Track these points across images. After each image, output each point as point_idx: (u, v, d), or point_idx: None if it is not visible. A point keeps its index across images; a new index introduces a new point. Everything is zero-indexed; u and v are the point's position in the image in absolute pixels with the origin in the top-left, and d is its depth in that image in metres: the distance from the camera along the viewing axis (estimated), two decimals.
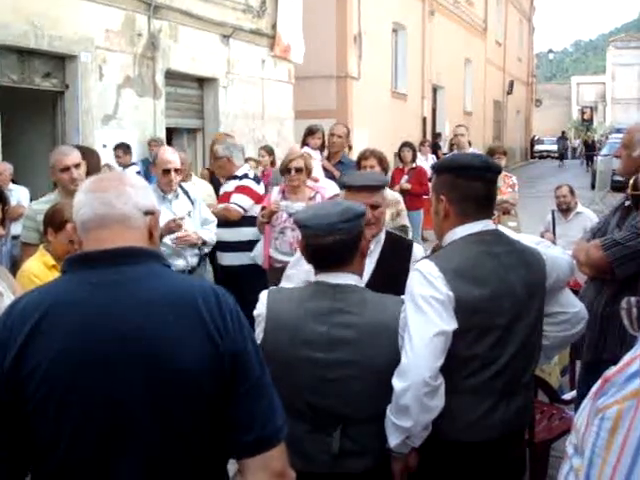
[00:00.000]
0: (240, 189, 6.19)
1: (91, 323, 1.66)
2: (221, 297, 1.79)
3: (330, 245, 2.52)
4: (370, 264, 3.35)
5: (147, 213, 1.86)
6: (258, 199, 6.18)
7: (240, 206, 6.14)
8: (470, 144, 16.87)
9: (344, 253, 2.57)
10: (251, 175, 6.53)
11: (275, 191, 5.96)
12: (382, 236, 3.47)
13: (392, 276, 2.58)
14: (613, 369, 1.22)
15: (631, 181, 3.43)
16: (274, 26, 13.68)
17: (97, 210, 1.80)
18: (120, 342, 1.65)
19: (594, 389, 1.24)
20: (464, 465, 2.57)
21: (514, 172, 15.87)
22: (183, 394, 1.68)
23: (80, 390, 1.64)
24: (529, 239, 2.99)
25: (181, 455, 1.70)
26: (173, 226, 4.90)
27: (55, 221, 3.94)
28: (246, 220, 6.07)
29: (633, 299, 1.16)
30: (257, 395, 1.77)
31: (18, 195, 7.24)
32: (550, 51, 63.67)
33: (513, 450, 2.71)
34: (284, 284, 3.17)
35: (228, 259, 6.20)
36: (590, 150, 36.01)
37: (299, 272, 3.21)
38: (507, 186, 7.83)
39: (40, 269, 3.86)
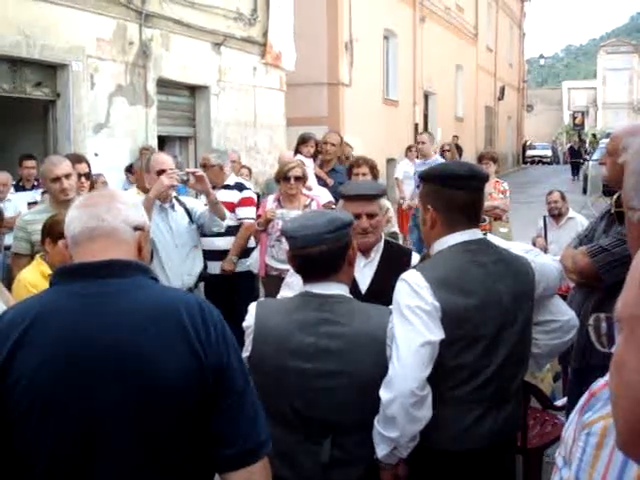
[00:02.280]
0: (244, 202, 6.18)
1: (74, 334, 1.68)
2: (206, 311, 1.79)
3: (317, 255, 2.53)
4: (370, 272, 3.38)
5: (137, 229, 1.89)
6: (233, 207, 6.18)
7: (251, 218, 6.13)
8: (461, 151, 16.95)
9: (331, 263, 2.57)
10: (247, 185, 6.56)
11: (270, 199, 5.97)
12: (381, 245, 3.47)
13: (391, 284, 2.57)
14: (599, 383, 1.22)
15: (614, 197, 3.44)
16: (265, 34, 13.70)
17: (87, 224, 1.83)
18: (101, 354, 1.66)
19: (581, 403, 1.25)
20: (454, 474, 2.58)
21: (506, 178, 15.91)
22: (164, 408, 1.68)
23: (60, 402, 1.65)
24: (518, 247, 3.00)
25: (162, 469, 1.70)
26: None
27: (54, 232, 3.94)
28: (233, 229, 6.04)
29: (602, 315, 1.17)
30: (240, 409, 1.77)
31: (16, 204, 7.16)
32: (541, 56, 63.96)
33: (503, 459, 2.72)
34: (284, 292, 3.17)
35: (215, 267, 6.17)
36: (576, 157, 33.35)
37: (299, 280, 3.22)
38: (498, 192, 7.86)
39: (37, 278, 3.87)
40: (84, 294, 1.73)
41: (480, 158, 8.44)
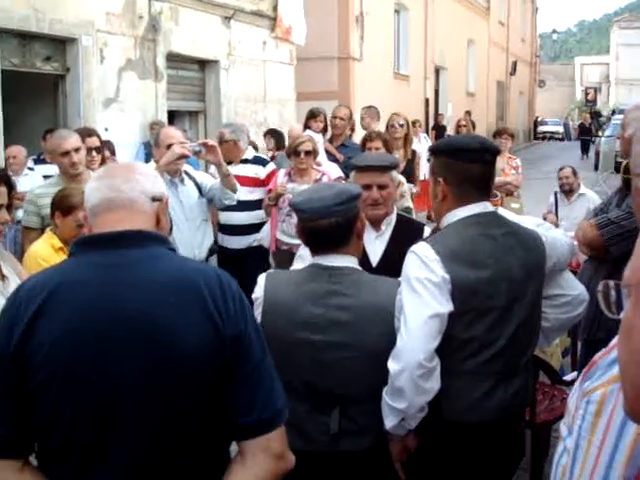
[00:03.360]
0: (273, 174, 6.18)
1: (93, 304, 1.69)
2: (224, 281, 1.80)
3: (326, 228, 2.54)
4: (381, 245, 3.39)
5: (155, 199, 1.89)
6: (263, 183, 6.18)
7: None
8: (474, 126, 16.82)
9: (340, 235, 2.58)
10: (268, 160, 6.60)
11: (281, 174, 5.98)
12: (393, 217, 3.47)
13: (402, 258, 2.58)
14: (600, 352, 1.24)
15: (623, 164, 3.46)
16: (275, 7, 13.60)
17: (105, 195, 1.84)
18: (120, 324, 1.67)
19: (583, 372, 1.26)
20: (463, 446, 2.59)
21: (517, 153, 15.82)
22: (182, 377, 1.69)
23: (79, 372, 1.66)
24: (530, 221, 2.99)
25: (179, 436, 1.72)
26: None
27: (64, 205, 3.97)
28: (250, 204, 6.06)
29: (611, 282, 1.17)
30: (258, 378, 1.78)
31: (34, 179, 7.12)
32: (554, 31, 63.45)
33: (512, 431, 2.73)
34: (296, 265, 3.18)
35: (231, 242, 6.20)
36: (586, 134, 32.11)
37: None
38: (511, 168, 7.84)
39: (47, 251, 3.90)
40: (103, 264, 1.74)
41: (499, 133, 8.42)
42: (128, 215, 1.83)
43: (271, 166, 6.35)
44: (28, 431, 1.72)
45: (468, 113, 23.06)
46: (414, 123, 13.18)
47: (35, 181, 6.90)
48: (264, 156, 6.68)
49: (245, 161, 6.20)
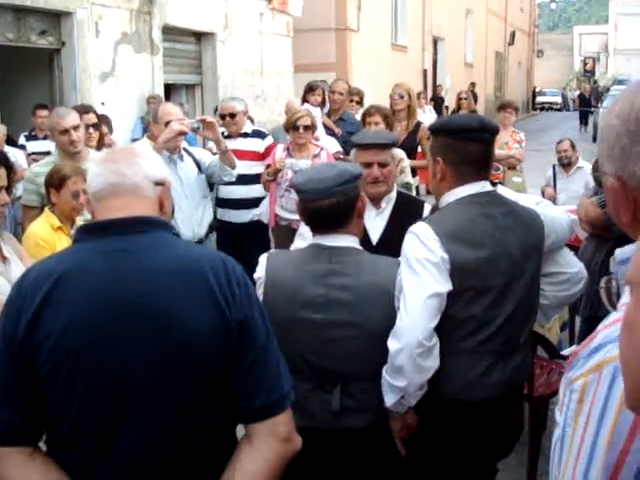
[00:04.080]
0: (272, 148, 6.16)
1: (99, 293, 1.69)
2: (229, 267, 1.80)
3: (327, 208, 2.55)
4: (381, 222, 3.39)
5: (158, 184, 1.89)
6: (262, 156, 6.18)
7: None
8: (476, 98, 16.72)
9: (341, 215, 2.59)
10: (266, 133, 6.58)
11: (280, 149, 5.95)
12: (393, 195, 3.48)
13: (402, 235, 2.60)
14: (583, 343, 1.27)
15: (592, 161, 3.47)
16: None
17: (108, 179, 1.83)
18: (127, 311, 1.68)
19: (569, 360, 1.30)
20: (463, 424, 2.63)
21: (516, 124, 15.75)
22: (189, 363, 1.70)
23: (87, 360, 1.67)
24: (528, 199, 3.00)
25: (187, 422, 1.73)
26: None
27: (54, 181, 3.97)
28: (251, 177, 6.05)
29: (613, 277, 1.21)
30: (263, 362, 1.79)
31: (14, 157, 7.15)
32: (552, 0, 62.85)
33: (512, 408, 2.77)
34: (298, 242, 3.19)
35: (230, 216, 6.20)
36: (586, 105, 31.75)
37: None
38: (514, 141, 7.83)
39: (46, 231, 3.91)
40: (108, 252, 1.74)
41: (503, 107, 8.38)
42: (132, 200, 1.82)
43: (269, 139, 6.34)
44: (37, 418, 1.73)
45: (472, 85, 22.96)
46: (419, 95, 13.06)
47: (17, 157, 6.84)
48: (262, 129, 6.65)
49: (245, 135, 6.19)
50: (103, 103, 9.53)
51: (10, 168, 3.08)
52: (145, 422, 1.70)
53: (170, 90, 11.72)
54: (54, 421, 1.73)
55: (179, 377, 1.71)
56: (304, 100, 7.66)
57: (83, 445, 1.72)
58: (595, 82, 43.42)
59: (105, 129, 7.37)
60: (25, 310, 1.70)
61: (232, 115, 6.07)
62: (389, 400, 2.54)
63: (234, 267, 1.82)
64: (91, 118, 5.55)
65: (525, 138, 8.07)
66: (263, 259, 2.73)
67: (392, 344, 2.46)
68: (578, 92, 39.00)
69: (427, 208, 3.41)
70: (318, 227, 2.65)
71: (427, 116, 11.58)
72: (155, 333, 1.68)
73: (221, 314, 1.72)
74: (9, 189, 3.07)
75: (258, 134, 6.33)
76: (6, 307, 1.76)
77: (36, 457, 1.74)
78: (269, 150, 6.15)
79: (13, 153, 7.20)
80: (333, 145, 6.40)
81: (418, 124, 6.72)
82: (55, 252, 2.06)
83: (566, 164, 7.78)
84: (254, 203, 6.15)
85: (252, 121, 9.10)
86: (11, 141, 8.07)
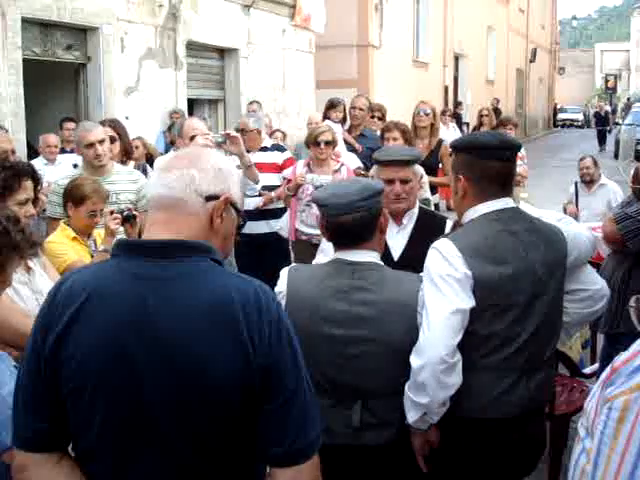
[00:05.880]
0: (289, 162, 6.27)
1: (125, 319, 1.65)
2: (263, 304, 1.69)
3: (349, 223, 2.55)
4: (403, 239, 3.39)
5: (210, 198, 1.75)
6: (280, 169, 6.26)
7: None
8: (499, 114, 16.59)
9: (363, 231, 2.60)
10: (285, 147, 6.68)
11: (300, 164, 6.00)
12: (415, 211, 3.47)
13: (424, 252, 2.59)
14: (622, 357, 1.26)
15: (631, 172, 3.46)
16: None
17: (157, 191, 1.77)
18: (151, 344, 1.63)
19: (603, 377, 1.28)
20: (485, 441, 2.61)
21: (536, 141, 15.74)
22: (209, 405, 1.64)
23: (108, 385, 1.65)
24: (550, 216, 3.00)
25: (204, 459, 1.68)
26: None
27: (75, 196, 4.00)
28: (269, 190, 6.11)
29: None
30: (289, 409, 1.70)
31: (41, 170, 7.24)
32: (574, 18, 62.83)
33: (534, 426, 2.75)
34: (319, 258, 3.19)
35: (252, 227, 6.25)
36: (602, 123, 30.48)
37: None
38: (517, 158, 7.81)
39: (62, 243, 3.94)
40: (140, 276, 1.68)
41: (503, 123, 8.36)
42: (176, 216, 1.74)
43: (288, 153, 6.43)
44: (63, 428, 1.72)
45: (496, 100, 22.86)
46: (443, 112, 13.02)
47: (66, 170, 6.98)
48: (281, 143, 6.76)
49: (264, 149, 6.26)
50: (127, 117, 9.62)
51: (37, 180, 3.13)
52: (160, 455, 1.66)
53: (193, 105, 11.82)
54: (80, 432, 1.72)
55: (195, 415, 1.64)
56: (325, 116, 7.70)
57: (101, 464, 1.71)
58: (617, 99, 43.04)
59: (138, 143, 7.52)
60: (54, 325, 1.69)
61: (243, 131, 6.14)
62: (411, 417, 2.53)
63: (269, 303, 1.71)
64: (107, 131, 5.64)
65: (526, 154, 8.04)
66: (284, 273, 2.73)
67: (414, 360, 2.46)
68: (594, 111, 37.74)
69: (449, 224, 3.40)
70: (340, 242, 2.65)
71: (450, 133, 11.56)
72: (174, 370, 1.63)
73: (245, 357, 1.64)
74: (35, 201, 3.12)
75: (277, 148, 6.43)
76: (39, 318, 1.75)
77: (64, 464, 1.74)
78: (287, 163, 6.23)
79: (40, 166, 7.32)
80: (354, 161, 6.42)
81: (440, 142, 6.72)
82: (94, 263, 2.02)
83: (588, 181, 7.75)
84: (273, 214, 6.20)
85: (284, 135, 9.18)
86: (36, 154, 8.19)
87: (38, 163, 7.37)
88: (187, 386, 1.63)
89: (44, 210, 4.94)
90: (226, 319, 1.64)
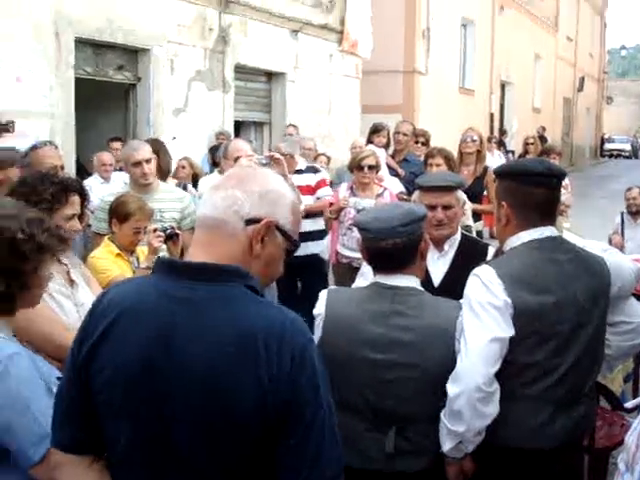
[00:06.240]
0: (322, 183, 6.37)
1: (152, 336, 1.65)
2: (287, 337, 1.63)
3: (390, 248, 2.55)
4: (444, 265, 3.37)
5: (250, 222, 1.71)
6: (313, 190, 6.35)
7: (329, 196, 6.29)
8: (546, 142, 16.41)
9: (404, 256, 2.59)
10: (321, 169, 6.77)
11: (343, 187, 6.03)
12: (457, 237, 3.45)
13: (466, 278, 2.57)
14: None
15: None
16: (343, 21, 13.71)
17: (203, 209, 1.76)
18: (176, 367, 1.63)
19: None
20: (521, 473, 2.57)
21: (583, 171, 15.58)
22: (228, 429, 1.61)
23: (133, 404, 1.65)
24: (595, 246, 2.96)
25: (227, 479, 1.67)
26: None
27: (120, 213, 4.08)
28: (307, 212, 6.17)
29: None
30: (306, 444, 1.64)
31: (89, 187, 7.38)
32: (622, 47, 62.29)
33: (572, 459, 2.71)
34: (359, 282, 3.19)
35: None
36: None
37: None
38: (561, 187, 7.73)
39: (105, 259, 4.01)
40: (172, 295, 1.67)
41: (547, 152, 8.28)
42: (216, 238, 1.72)
43: (321, 175, 6.49)
44: (98, 437, 1.74)
45: (543, 128, 22.67)
46: (489, 139, 12.96)
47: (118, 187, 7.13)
48: (316, 165, 6.85)
49: (299, 171, 6.32)
50: (174, 137, 9.77)
51: (84, 196, 3.19)
52: (185, 474, 1.65)
53: (239, 127, 11.95)
54: (108, 443, 1.74)
55: (217, 441, 1.62)
56: (369, 141, 7.74)
57: (136, 471, 1.71)
58: None
59: (184, 163, 7.66)
60: (89, 337, 1.71)
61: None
62: (446, 445, 2.51)
63: (294, 337, 1.65)
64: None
65: (570, 183, 7.96)
66: (323, 295, 2.74)
67: (451, 388, 2.44)
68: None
69: (491, 252, 3.37)
70: (380, 266, 2.65)
71: (496, 160, 11.48)
72: (196, 395, 1.61)
73: (261, 390, 1.59)
74: (82, 217, 3.17)
75: (311, 169, 6.50)
76: (80, 328, 1.78)
77: (94, 467, 1.76)
78: (321, 183, 6.31)
79: (95, 184, 7.46)
80: (396, 186, 6.44)
81: (485, 168, 6.66)
82: (137, 277, 2.02)
83: (634, 212, 7.65)
84: (310, 237, 6.24)
85: (329, 159, 9.25)
86: (84, 171, 8.36)
87: (94, 181, 7.54)
88: (209, 411, 1.61)
89: (89, 225, 5.03)
90: (247, 349, 1.60)
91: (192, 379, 1.62)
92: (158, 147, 5.92)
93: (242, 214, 1.71)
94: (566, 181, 7.83)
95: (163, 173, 5.88)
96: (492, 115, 23.39)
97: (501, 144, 20.40)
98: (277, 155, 5.16)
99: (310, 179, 6.31)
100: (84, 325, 1.77)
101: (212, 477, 1.66)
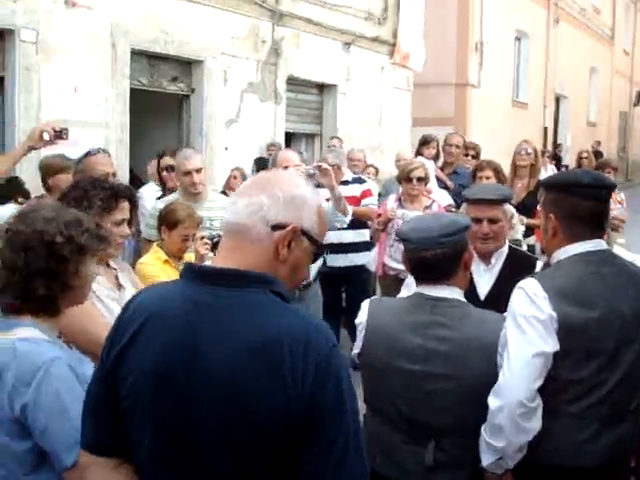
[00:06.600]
0: (367, 193, 6.38)
1: (175, 342, 1.66)
2: (312, 344, 1.62)
3: (431, 258, 2.53)
4: (491, 278, 3.34)
5: (276, 227, 1.71)
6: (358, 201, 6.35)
7: (374, 205, 6.31)
8: (601, 156, 16.09)
9: (445, 266, 2.57)
10: (368, 180, 6.80)
11: (391, 199, 6.02)
12: (504, 250, 3.41)
13: (512, 291, 2.54)
14: None
15: None
16: (395, 34, 13.69)
17: (228, 216, 1.77)
18: (199, 373, 1.63)
19: None
20: None
21: (639, 187, 15.22)
22: (250, 436, 1.61)
23: (157, 407, 1.67)
24: None
25: None
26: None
27: (169, 220, 4.15)
28: (352, 222, 6.17)
29: None
30: (326, 457, 1.61)
31: (141, 194, 7.48)
32: None
33: (616, 479, 2.64)
34: (404, 292, 3.19)
35: (334, 260, 6.31)
36: None
37: None
38: (616, 202, 7.58)
39: (153, 265, 4.08)
40: (195, 301, 1.68)
41: (602, 166, 8.13)
42: (240, 244, 1.72)
43: (367, 185, 6.51)
44: (124, 441, 1.76)
45: (598, 143, 22.27)
46: (543, 153, 12.78)
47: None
48: (362, 176, 6.90)
49: (345, 182, 6.33)
50: (227, 148, 9.89)
51: (134, 203, 3.25)
52: (208, 475, 1.66)
53: (291, 138, 12.02)
54: (134, 447, 1.75)
55: (239, 447, 1.62)
56: (418, 153, 7.71)
57: (161, 476, 1.72)
58: None
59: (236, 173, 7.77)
60: (117, 343, 1.74)
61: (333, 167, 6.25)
62: (486, 460, 2.47)
63: (319, 344, 1.63)
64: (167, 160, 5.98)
65: (625, 198, 7.79)
66: (365, 305, 2.74)
67: (492, 402, 2.41)
68: None
69: (539, 265, 3.32)
70: (422, 277, 2.63)
71: (549, 174, 11.34)
72: (218, 401, 1.61)
73: (285, 397, 1.58)
74: (131, 222, 3.23)
75: (357, 180, 6.52)
76: (110, 332, 1.81)
77: (121, 470, 1.78)
78: (366, 193, 6.32)
79: (142, 191, 7.56)
80: (445, 198, 6.41)
81: (539, 182, 6.55)
82: (164, 282, 2.05)
83: None
84: (354, 248, 6.27)
85: (377, 171, 9.26)
86: (137, 180, 8.48)
87: (151, 189, 7.65)
88: (231, 417, 1.61)
89: (139, 232, 5.12)
90: (271, 356, 1.59)
91: (213, 385, 1.62)
92: None
93: (268, 219, 1.71)
94: (622, 196, 7.74)
95: None
96: (546, 129, 23.11)
97: (556, 158, 20.16)
98: (325, 165, 5.19)
99: (356, 190, 6.32)
100: (112, 331, 1.80)
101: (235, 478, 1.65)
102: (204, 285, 1.70)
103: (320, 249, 1.81)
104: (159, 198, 5.62)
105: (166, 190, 6.00)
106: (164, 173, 6.08)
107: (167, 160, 6.11)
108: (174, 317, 1.69)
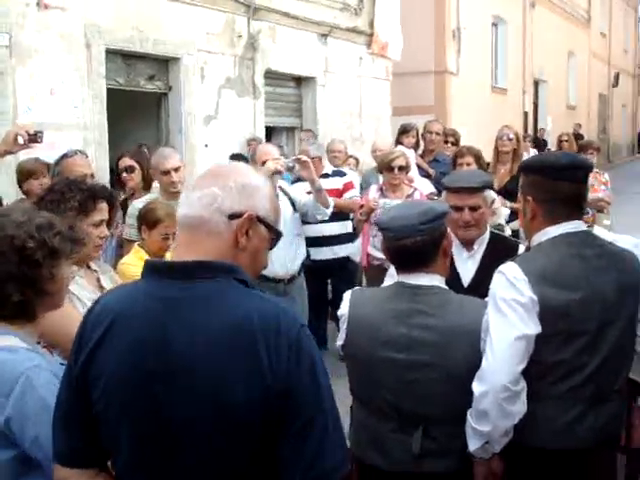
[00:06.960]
0: (349, 185, 6.40)
1: (144, 340, 1.65)
2: (282, 326, 1.64)
3: (410, 247, 2.52)
4: (473, 265, 3.34)
5: (233, 217, 1.71)
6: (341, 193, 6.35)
7: (357, 197, 6.32)
8: (582, 138, 16.15)
9: (425, 254, 2.56)
10: (349, 172, 6.81)
11: (373, 189, 6.02)
12: (486, 236, 3.40)
13: None
14: None
15: None
16: (372, 24, 13.66)
17: (181, 209, 1.77)
18: (169, 368, 1.62)
19: None
20: (551, 473, 2.52)
21: (620, 168, 15.34)
22: (225, 423, 1.61)
23: (131, 406, 1.65)
24: (626, 241, 2.92)
25: (230, 476, 1.66)
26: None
27: (149, 219, 4.13)
28: (333, 215, 6.17)
29: None
30: (307, 435, 1.62)
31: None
32: None
33: (603, 459, 2.64)
34: (387, 282, 3.19)
35: (317, 253, 6.32)
36: None
37: None
38: (600, 183, 7.62)
39: (135, 263, 4.04)
40: (160, 297, 1.68)
41: (584, 148, 8.17)
42: (199, 236, 1.72)
43: (348, 177, 6.53)
44: (98, 446, 1.74)
45: (578, 125, 22.37)
46: (524, 138, 12.82)
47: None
48: (342, 169, 6.88)
49: (326, 175, 6.32)
50: (206, 145, 9.84)
51: (112, 203, 3.22)
52: (189, 476, 1.65)
53: (271, 132, 11.99)
54: (111, 451, 1.74)
55: (216, 438, 1.62)
56: (398, 142, 7.71)
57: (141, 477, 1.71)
58: None
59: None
60: (84, 346, 1.72)
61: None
62: (473, 445, 2.48)
63: (289, 326, 1.65)
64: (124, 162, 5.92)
65: (609, 179, 7.82)
66: (347, 295, 2.73)
67: (477, 387, 2.41)
68: None
69: (522, 249, 3.30)
70: (402, 266, 2.63)
71: None
72: (195, 393, 1.61)
73: (262, 380, 1.59)
74: (110, 223, 3.20)
75: (338, 173, 6.54)
76: (75, 338, 1.78)
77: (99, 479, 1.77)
78: (348, 185, 6.35)
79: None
80: (427, 186, 6.41)
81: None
82: (127, 283, 2.03)
83: None
84: (338, 240, 6.30)
85: (357, 162, 9.25)
86: (119, 180, 8.42)
87: None
88: (209, 407, 1.60)
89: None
90: (244, 342, 1.61)
91: (187, 379, 1.61)
92: (140, 159, 5.99)
93: (223, 210, 1.71)
94: (606, 177, 7.78)
95: (147, 184, 5.86)
96: (526, 114, 23.19)
97: (540, 142, 20.21)
98: (304, 158, 5.17)
99: (337, 182, 6.34)
100: (78, 334, 1.77)
101: (219, 478, 1.65)
102: (168, 280, 1.70)
103: (277, 235, 1.83)
104: (123, 201, 5.58)
105: (127, 191, 5.94)
106: (124, 174, 5.99)
107: (126, 161, 6.04)
108: (139, 315, 1.68)
